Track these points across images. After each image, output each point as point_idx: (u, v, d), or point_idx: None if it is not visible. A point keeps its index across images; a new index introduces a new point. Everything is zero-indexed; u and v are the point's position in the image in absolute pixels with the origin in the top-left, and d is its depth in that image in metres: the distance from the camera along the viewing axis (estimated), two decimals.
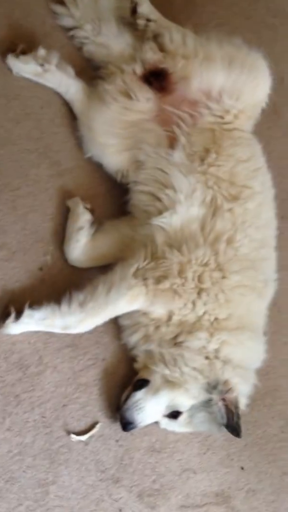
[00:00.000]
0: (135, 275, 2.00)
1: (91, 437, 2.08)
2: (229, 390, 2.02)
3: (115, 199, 2.32)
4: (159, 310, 2.03)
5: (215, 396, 2.00)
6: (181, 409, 2.05)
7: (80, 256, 2.17)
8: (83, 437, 2.06)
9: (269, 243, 2.25)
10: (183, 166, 2.12)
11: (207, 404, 2.03)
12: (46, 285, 2.12)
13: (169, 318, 2.03)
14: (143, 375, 2.10)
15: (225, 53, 2.21)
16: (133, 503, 2.11)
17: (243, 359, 2.09)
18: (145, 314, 2.05)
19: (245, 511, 2.32)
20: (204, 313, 2.02)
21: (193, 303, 2.01)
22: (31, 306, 2.02)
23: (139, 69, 2.24)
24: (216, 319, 2.03)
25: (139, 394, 2.04)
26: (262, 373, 2.29)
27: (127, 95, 2.21)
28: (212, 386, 2.01)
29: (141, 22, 2.31)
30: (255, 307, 2.17)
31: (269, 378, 2.50)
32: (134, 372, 2.16)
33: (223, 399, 2.01)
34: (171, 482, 2.20)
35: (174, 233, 2.06)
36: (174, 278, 1.99)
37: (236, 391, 2.04)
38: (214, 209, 2.09)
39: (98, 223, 2.23)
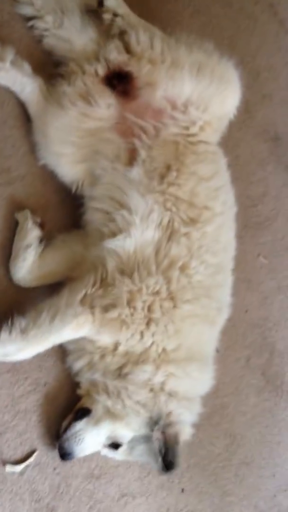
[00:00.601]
0: (82, 302, 1.87)
1: (27, 466, 1.98)
2: (171, 425, 1.95)
3: (68, 210, 2.16)
4: (105, 339, 1.92)
5: (155, 432, 1.93)
6: (121, 441, 1.98)
7: (26, 275, 2.02)
8: (18, 467, 1.96)
9: (225, 267, 2.15)
10: (141, 185, 1.97)
11: (147, 438, 1.97)
12: None
13: (115, 347, 1.92)
14: (85, 403, 2.00)
15: (194, 60, 2.03)
16: None
17: (189, 390, 2.02)
18: (91, 341, 1.93)
19: None
20: (152, 344, 1.92)
21: (141, 333, 1.90)
22: None
23: (101, 70, 2.05)
24: (164, 350, 1.93)
25: (80, 425, 1.95)
26: (211, 391, 2.23)
27: (87, 99, 2.02)
28: (154, 421, 1.94)
29: (107, 16, 2.10)
30: (206, 336, 2.09)
31: (217, 396, 2.46)
32: (76, 397, 2.06)
33: (164, 434, 1.94)
34: (109, 508, 2.15)
35: (126, 258, 1.93)
36: (123, 307, 1.87)
37: (179, 424, 1.98)
38: (170, 233, 1.97)
39: (48, 236, 2.07)
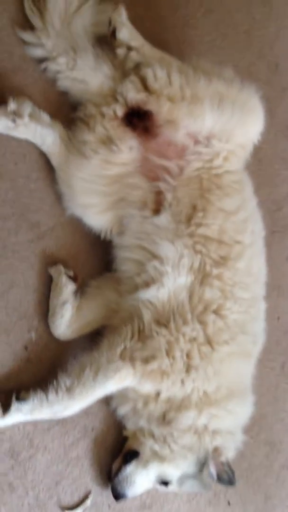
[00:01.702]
0: (122, 355, 1.88)
1: (85, 509, 2.07)
2: (218, 455, 2.01)
3: (99, 254, 2.12)
4: (147, 388, 1.93)
5: (205, 470, 2.00)
6: (170, 479, 2.05)
7: (66, 330, 2.01)
8: (77, 511, 2.04)
9: (258, 298, 2.12)
10: (169, 231, 1.94)
11: (197, 473, 2.03)
12: (32, 363, 1.98)
13: (157, 395, 1.94)
14: (132, 445, 2.05)
15: (214, 92, 1.92)
16: None
17: (232, 426, 2.06)
18: (133, 389, 1.96)
19: None
20: (193, 389, 1.93)
21: (182, 381, 1.91)
22: (18, 394, 1.89)
23: (120, 110, 1.95)
24: (205, 393, 1.94)
25: (130, 468, 2.01)
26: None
27: (109, 145, 1.94)
28: (201, 462, 1.99)
29: (121, 51, 1.98)
30: (244, 370, 2.10)
31: (256, 408, 2.51)
32: (124, 438, 2.12)
33: (214, 464, 2.01)
34: None
35: (161, 308, 1.92)
36: (163, 358, 1.88)
37: (225, 453, 2.04)
38: (202, 277, 1.94)
39: (82, 284, 2.05)
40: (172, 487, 2.05)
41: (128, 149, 1.96)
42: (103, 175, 1.97)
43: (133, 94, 1.92)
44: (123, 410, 2.00)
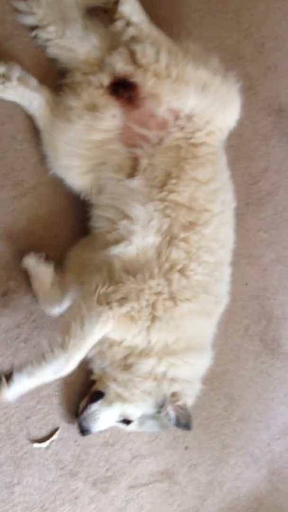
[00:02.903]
0: (99, 301, 2.02)
1: (52, 441, 2.31)
2: (177, 400, 2.20)
3: (78, 212, 2.30)
4: (116, 334, 2.11)
5: (163, 412, 2.20)
6: (131, 418, 2.26)
7: (57, 307, 2.25)
8: (44, 444, 2.28)
9: (223, 263, 2.28)
10: (142, 194, 2.08)
11: (156, 414, 2.25)
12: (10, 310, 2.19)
13: (122, 340, 2.11)
14: (98, 387, 2.25)
15: (200, 78, 2.07)
16: (87, 491, 2.40)
17: (189, 375, 2.24)
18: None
19: (186, 483, 2.67)
20: (155, 338, 2.10)
21: (147, 329, 2.08)
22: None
23: (106, 80, 2.09)
24: (165, 343, 2.12)
25: (95, 406, 2.22)
26: (213, 361, 2.50)
27: (93, 112, 2.08)
28: (160, 405, 2.19)
29: (119, 24, 2.10)
30: (204, 327, 2.27)
31: (218, 365, 2.71)
32: (91, 382, 2.34)
33: (172, 407, 2.19)
34: (122, 468, 2.49)
35: (129, 261, 2.07)
36: (134, 301, 2.03)
37: (183, 399, 2.22)
38: (169, 238, 2.09)
39: (61, 246, 2.24)
40: (133, 427, 2.27)
41: (111, 116, 2.10)
42: (85, 139, 2.12)
43: (121, 65, 2.06)
44: (90, 353, 2.17)
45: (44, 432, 2.29)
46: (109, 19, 2.17)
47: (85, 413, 2.21)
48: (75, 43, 2.13)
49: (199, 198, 2.13)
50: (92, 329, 2.00)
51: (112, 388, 2.18)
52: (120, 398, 2.18)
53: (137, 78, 2.06)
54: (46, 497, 2.30)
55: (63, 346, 1.98)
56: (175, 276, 2.08)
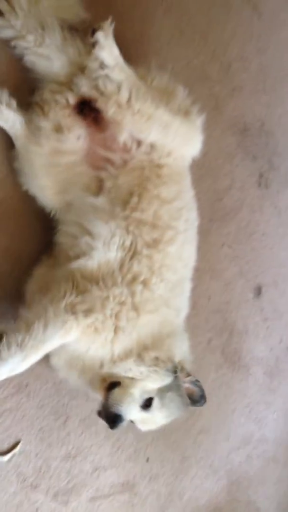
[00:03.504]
0: (66, 309, 2.02)
1: (13, 455, 2.32)
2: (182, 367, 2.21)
3: (46, 227, 2.33)
4: (80, 346, 2.10)
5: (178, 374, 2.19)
6: (152, 395, 2.16)
7: None
8: (6, 457, 2.29)
9: (185, 280, 2.31)
10: (105, 212, 2.10)
11: (170, 386, 2.18)
12: None
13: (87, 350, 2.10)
14: (110, 380, 2.15)
15: (160, 117, 2.12)
16: (48, 503, 2.41)
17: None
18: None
19: (146, 494, 2.71)
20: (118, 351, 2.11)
21: (110, 341, 2.08)
22: None
23: (72, 99, 2.13)
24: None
25: (116, 392, 2.11)
26: None
27: (59, 133, 2.11)
28: (173, 370, 2.16)
29: (93, 64, 2.10)
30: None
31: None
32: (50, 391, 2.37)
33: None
34: (84, 480, 2.51)
35: (91, 272, 2.08)
36: (98, 312, 2.03)
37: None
38: (132, 253, 2.11)
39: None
40: (156, 405, 2.18)
41: (76, 138, 2.13)
42: (54, 162, 2.15)
43: (86, 89, 2.09)
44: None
45: (5, 445, 2.29)
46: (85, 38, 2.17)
47: (110, 401, 2.10)
48: (53, 53, 2.14)
49: (163, 216, 2.15)
50: (54, 335, 2.00)
51: (122, 376, 2.13)
52: (133, 380, 2.13)
53: (100, 104, 2.09)
54: (7, 510, 2.31)
55: (21, 346, 1.97)
56: (138, 287, 2.10)
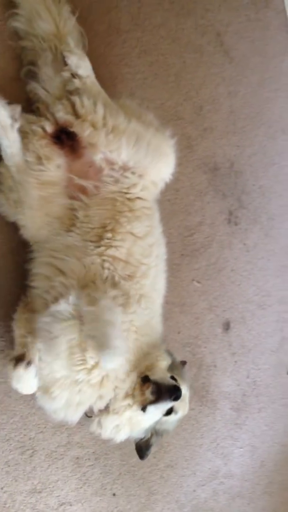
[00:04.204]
0: None
1: None
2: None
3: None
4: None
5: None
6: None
7: None
8: None
9: (157, 311, 2.33)
10: (78, 249, 2.11)
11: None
12: None
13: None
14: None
15: (133, 131, 2.17)
16: None
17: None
18: None
19: None
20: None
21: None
22: None
23: (49, 128, 2.16)
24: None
25: (156, 374, 2.12)
26: None
27: (40, 164, 2.13)
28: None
29: (66, 74, 2.19)
30: None
31: None
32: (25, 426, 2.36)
33: None
34: None
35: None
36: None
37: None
38: (111, 284, 2.11)
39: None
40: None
41: (56, 167, 2.15)
42: (39, 195, 2.15)
43: (61, 114, 2.14)
44: None
45: None
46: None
47: (165, 384, 2.09)
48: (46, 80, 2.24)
49: (136, 253, 2.18)
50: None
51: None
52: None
53: (76, 127, 2.13)
54: None
55: None
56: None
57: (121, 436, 2.18)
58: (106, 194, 2.18)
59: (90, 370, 1.99)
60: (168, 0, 2.95)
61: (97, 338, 1.84)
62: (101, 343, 1.81)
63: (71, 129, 2.16)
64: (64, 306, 1.98)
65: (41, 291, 2.13)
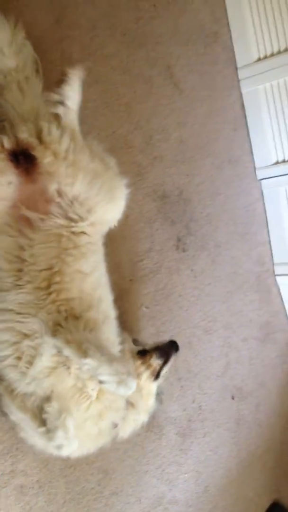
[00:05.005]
0: None
1: None
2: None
3: None
4: None
5: None
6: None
7: None
8: None
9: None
10: (30, 305, 2.08)
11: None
12: None
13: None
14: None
15: (92, 169, 2.19)
16: None
17: None
18: None
19: None
20: None
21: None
22: None
23: (8, 144, 2.10)
24: None
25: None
26: None
27: None
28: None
29: (55, 97, 2.22)
30: None
31: None
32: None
33: None
34: None
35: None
36: None
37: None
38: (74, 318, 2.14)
39: None
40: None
41: (7, 183, 2.09)
42: None
43: (25, 135, 2.10)
44: None
45: None
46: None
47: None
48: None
49: (87, 288, 2.19)
50: None
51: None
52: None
53: (37, 152, 2.11)
54: None
55: None
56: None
57: (152, 406, 2.52)
58: (52, 228, 2.14)
59: (98, 398, 2.11)
60: (120, 31, 3.01)
61: (109, 380, 1.95)
62: (117, 381, 1.94)
63: (32, 152, 2.13)
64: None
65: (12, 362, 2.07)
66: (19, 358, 2.05)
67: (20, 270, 2.10)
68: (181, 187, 3.26)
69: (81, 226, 2.20)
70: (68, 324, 2.09)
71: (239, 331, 3.55)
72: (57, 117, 2.24)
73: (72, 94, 2.25)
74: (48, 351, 2.03)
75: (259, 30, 3.44)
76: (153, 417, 3.04)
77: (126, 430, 2.43)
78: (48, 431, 2.05)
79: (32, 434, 2.20)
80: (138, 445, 3.00)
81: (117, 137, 2.96)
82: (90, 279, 2.21)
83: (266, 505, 3.64)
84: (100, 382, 1.99)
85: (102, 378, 1.97)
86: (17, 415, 2.16)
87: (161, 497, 3.11)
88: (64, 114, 2.23)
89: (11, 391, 2.12)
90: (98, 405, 2.14)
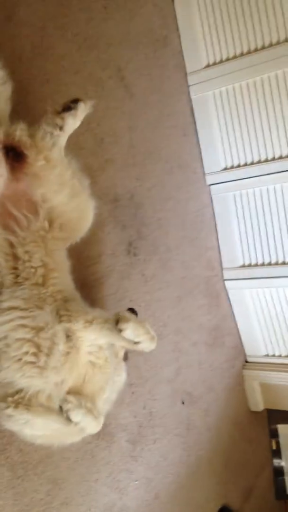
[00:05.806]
0: None
1: None
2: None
3: None
4: None
5: None
6: None
7: None
8: None
9: None
10: (34, 299, 2.11)
11: None
12: None
13: None
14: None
15: (72, 185, 2.27)
16: None
17: None
18: None
19: None
20: None
21: None
22: None
23: (1, 136, 2.11)
24: None
25: None
26: (39, 446, 2.47)
27: None
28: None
29: (58, 121, 2.25)
30: None
31: (44, 447, 2.69)
32: None
33: None
34: None
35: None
36: None
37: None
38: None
39: None
40: None
41: None
42: None
43: (20, 133, 2.13)
44: None
45: None
46: None
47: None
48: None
49: (69, 279, 2.36)
50: None
51: None
52: None
53: (30, 153, 2.13)
54: None
55: None
56: None
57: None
58: (36, 231, 2.20)
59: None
60: (71, 32, 2.97)
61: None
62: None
63: (25, 151, 2.13)
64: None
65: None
66: (35, 353, 2.02)
67: (16, 268, 2.13)
68: (132, 191, 3.23)
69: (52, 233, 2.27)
70: (68, 306, 2.14)
71: (189, 335, 3.55)
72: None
73: (73, 122, 2.28)
74: (62, 339, 2.05)
75: (208, 37, 3.48)
76: (104, 425, 3.00)
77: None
78: (77, 424, 2.12)
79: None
80: (88, 454, 2.94)
81: (68, 138, 2.89)
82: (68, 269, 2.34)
83: (215, 510, 3.64)
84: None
85: None
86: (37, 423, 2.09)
87: (112, 505, 3.06)
88: (57, 135, 2.24)
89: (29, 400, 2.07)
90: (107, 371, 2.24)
